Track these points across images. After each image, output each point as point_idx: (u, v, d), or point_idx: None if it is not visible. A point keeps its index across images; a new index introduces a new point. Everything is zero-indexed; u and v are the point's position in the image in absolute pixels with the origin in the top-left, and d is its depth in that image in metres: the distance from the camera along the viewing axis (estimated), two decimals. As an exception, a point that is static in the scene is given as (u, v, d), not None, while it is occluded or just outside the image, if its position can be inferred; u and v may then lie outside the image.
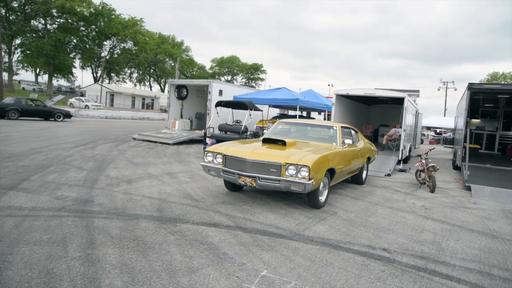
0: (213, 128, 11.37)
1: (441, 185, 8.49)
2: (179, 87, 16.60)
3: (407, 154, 11.99)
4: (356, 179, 7.76)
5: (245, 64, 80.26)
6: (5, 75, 44.83)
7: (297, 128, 7.17)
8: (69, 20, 49.05)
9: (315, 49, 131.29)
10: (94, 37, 53.79)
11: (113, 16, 52.51)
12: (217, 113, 11.83)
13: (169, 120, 16.53)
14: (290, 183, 4.94)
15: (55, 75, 51.64)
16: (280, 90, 14.62)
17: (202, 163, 5.79)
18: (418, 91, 42.36)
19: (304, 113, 19.58)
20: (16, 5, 45.92)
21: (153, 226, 4.24)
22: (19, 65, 50.44)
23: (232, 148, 5.65)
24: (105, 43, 57.48)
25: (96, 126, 19.83)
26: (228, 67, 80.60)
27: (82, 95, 50.26)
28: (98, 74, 59.68)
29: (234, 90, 16.11)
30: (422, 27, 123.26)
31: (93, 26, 52.06)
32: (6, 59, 47.78)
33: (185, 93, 16.68)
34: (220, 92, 15.43)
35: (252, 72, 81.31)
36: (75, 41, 51.65)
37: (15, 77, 53.09)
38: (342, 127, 6.89)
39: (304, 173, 4.91)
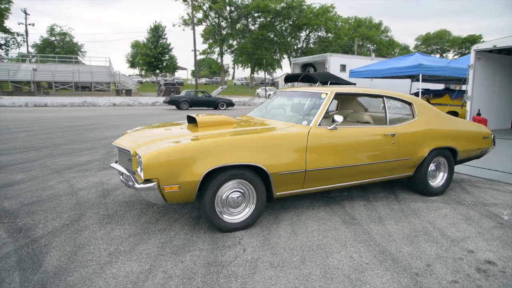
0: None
1: None
2: (304, 66, 14.80)
3: None
4: (413, 185, 4.39)
5: (457, 37, 66.74)
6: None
7: (285, 99, 4.61)
8: (268, 19, 53.67)
9: None
10: (288, 29, 56.89)
11: (303, 7, 53.89)
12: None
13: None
14: (135, 185, 2.96)
15: (256, 69, 57.96)
16: (411, 56, 10.59)
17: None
18: None
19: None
20: (226, 13, 53.94)
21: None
22: (235, 65, 59.75)
23: (136, 130, 4.01)
24: (301, 34, 60.00)
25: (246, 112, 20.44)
26: (436, 43, 69.13)
27: (274, 85, 54.35)
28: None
29: (362, 63, 12.96)
30: None
31: (286, 20, 55.07)
32: (219, 60, 57.38)
33: (313, 72, 14.70)
34: (343, 67, 12.74)
35: (467, 47, 66.73)
36: (271, 36, 56.11)
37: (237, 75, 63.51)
38: (339, 94, 3.85)
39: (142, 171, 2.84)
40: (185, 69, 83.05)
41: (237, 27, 54.26)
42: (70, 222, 3.39)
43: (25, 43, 46.46)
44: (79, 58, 51.53)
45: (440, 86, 14.03)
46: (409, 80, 12.51)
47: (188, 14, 51.65)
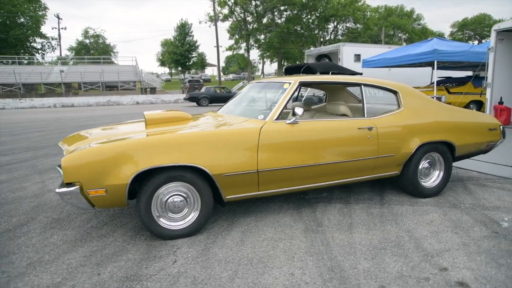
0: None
1: None
2: (319, 57, 14.15)
3: None
4: (402, 185, 3.88)
5: (499, 21, 62.32)
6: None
7: (254, 91, 4.21)
8: (294, 11, 52.68)
9: None
10: (315, 22, 55.62)
11: (330, -2, 52.49)
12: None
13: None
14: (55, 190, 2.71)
15: (283, 63, 57.20)
16: (427, 42, 9.70)
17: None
18: None
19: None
20: (252, 8, 53.48)
21: None
22: (261, 60, 59.42)
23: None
24: (329, 26, 58.45)
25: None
26: (474, 29, 65.05)
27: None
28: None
29: (378, 52, 12.15)
30: None
31: (313, 12, 53.84)
32: (246, 55, 57.19)
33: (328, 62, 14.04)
34: (357, 57, 12.04)
35: (511, 30, 62.21)
36: (298, 29, 55.08)
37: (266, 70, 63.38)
38: (304, 83, 3.41)
39: (66, 174, 2.58)
40: (215, 65, 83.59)
41: (263, 22, 53.69)
42: (14, 227, 3.22)
43: (59, 47, 48.56)
44: (112, 59, 52.97)
45: (469, 74, 12.94)
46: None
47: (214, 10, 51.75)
